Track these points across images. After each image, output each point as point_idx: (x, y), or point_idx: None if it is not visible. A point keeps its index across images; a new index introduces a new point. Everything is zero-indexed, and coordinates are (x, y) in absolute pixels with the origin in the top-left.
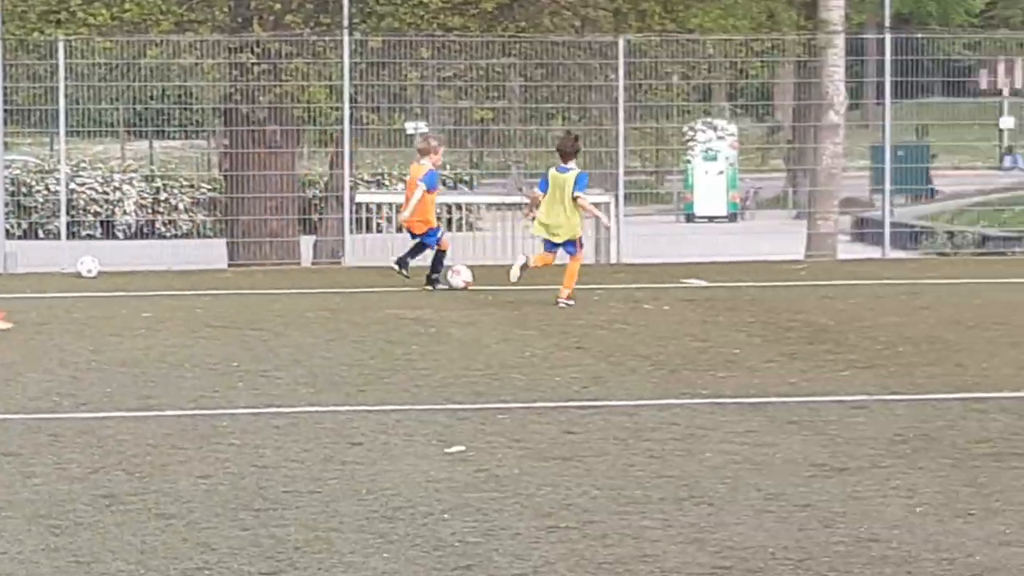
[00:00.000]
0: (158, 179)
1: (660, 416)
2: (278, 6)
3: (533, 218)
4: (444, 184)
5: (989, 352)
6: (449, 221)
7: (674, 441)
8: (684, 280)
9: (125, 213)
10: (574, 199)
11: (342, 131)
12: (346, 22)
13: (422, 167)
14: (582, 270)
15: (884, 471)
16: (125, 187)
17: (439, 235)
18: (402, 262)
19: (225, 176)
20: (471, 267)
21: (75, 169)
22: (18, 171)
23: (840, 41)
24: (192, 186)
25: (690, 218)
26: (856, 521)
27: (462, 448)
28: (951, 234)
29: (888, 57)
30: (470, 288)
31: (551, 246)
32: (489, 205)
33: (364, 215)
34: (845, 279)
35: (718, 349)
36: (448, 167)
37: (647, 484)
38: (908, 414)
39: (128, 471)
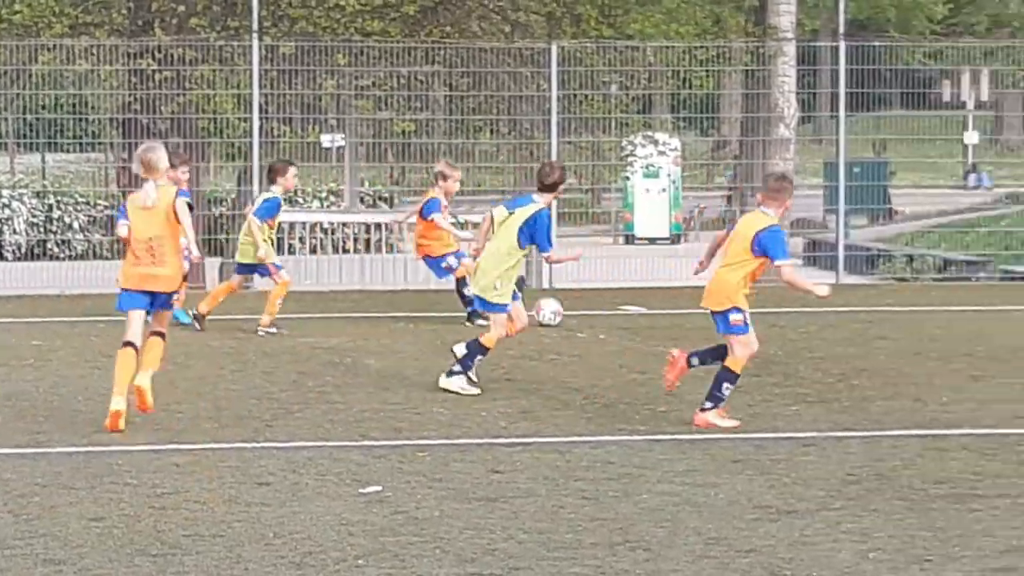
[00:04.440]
0: (51, 195)
1: (594, 454)
2: (181, 8)
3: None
4: (361, 201)
5: (950, 386)
6: (367, 242)
7: (608, 481)
8: (622, 307)
9: (14, 232)
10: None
11: (251, 144)
12: (255, 26)
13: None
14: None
15: (835, 513)
16: (15, 204)
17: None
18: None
19: (123, 192)
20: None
21: None
22: None
23: (791, 49)
24: (88, 203)
25: (629, 239)
26: (804, 568)
27: (378, 488)
28: (910, 258)
29: (843, 66)
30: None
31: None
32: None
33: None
34: (795, 306)
35: (658, 382)
36: (367, 183)
37: (579, 528)
38: (861, 452)
39: (15, 512)
